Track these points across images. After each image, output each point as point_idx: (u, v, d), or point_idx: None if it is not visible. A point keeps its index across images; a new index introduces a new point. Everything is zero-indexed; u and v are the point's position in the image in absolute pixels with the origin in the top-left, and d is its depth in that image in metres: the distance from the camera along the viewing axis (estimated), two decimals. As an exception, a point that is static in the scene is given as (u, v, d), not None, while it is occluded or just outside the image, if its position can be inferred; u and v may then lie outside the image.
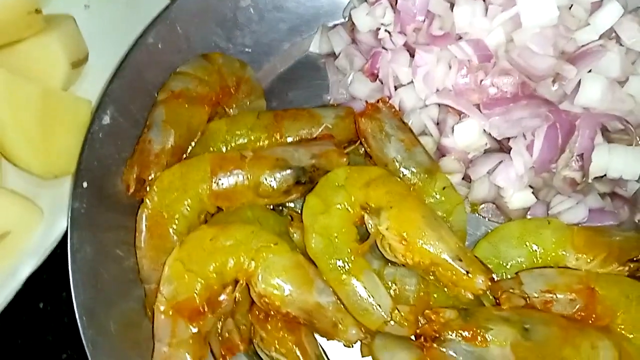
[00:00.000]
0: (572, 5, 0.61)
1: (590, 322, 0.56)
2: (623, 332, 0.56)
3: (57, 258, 0.63)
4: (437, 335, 0.53)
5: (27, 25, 0.68)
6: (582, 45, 0.61)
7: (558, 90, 0.61)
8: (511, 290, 0.57)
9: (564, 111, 0.60)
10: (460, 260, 0.55)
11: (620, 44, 0.61)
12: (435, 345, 0.53)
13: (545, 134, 0.59)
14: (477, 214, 0.67)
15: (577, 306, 0.56)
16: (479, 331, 0.52)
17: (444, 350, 0.53)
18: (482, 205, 0.67)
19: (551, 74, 0.60)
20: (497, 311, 0.55)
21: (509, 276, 0.60)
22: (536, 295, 0.56)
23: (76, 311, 0.55)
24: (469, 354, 0.53)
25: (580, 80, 0.60)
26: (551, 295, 0.56)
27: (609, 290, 0.57)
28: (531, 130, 0.60)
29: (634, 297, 0.57)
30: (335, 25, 0.76)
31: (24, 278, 0.62)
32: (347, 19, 0.76)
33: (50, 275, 0.67)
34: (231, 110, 0.70)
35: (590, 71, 0.60)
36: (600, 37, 0.60)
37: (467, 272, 0.55)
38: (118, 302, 0.58)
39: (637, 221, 0.65)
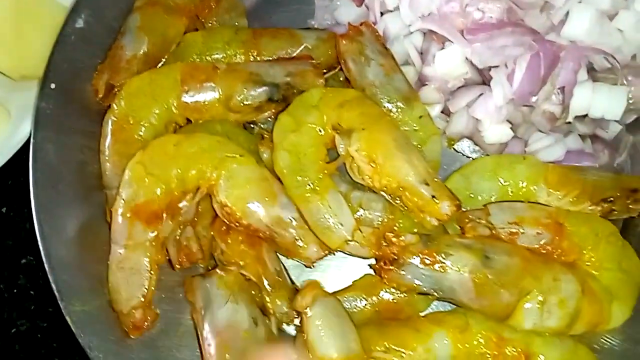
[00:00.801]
0: None
1: (555, 257, 0.56)
2: (589, 269, 0.56)
3: (23, 164, 0.61)
4: (396, 258, 0.53)
5: None
6: (576, -26, 0.58)
7: (545, 21, 0.59)
8: (477, 220, 0.56)
9: (549, 41, 0.58)
10: (428, 184, 0.54)
11: (615, -23, 0.58)
12: (393, 268, 0.52)
13: (527, 64, 0.57)
14: (453, 150, 0.66)
15: (543, 240, 0.55)
16: (438, 256, 0.51)
17: (402, 273, 0.53)
18: (459, 142, 0.66)
19: (539, 2, 0.58)
20: (459, 238, 0.54)
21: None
22: (502, 227, 0.55)
23: (34, 209, 0.54)
24: (427, 279, 0.52)
25: (568, 11, 0.58)
26: (518, 227, 0.55)
27: (578, 226, 0.56)
28: (513, 60, 0.58)
29: (603, 236, 0.56)
30: (325, -52, 0.73)
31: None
32: None
33: (15, 182, 0.66)
34: (210, 24, 0.68)
35: (580, 2, 0.58)
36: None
37: (434, 197, 0.53)
38: (78, 205, 0.57)
39: (616, 165, 0.64)
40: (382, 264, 0.53)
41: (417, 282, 0.52)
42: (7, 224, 0.67)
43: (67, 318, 0.52)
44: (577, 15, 0.57)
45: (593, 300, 0.54)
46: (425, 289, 0.53)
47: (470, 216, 0.56)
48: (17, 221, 0.66)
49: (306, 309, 0.49)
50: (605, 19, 0.58)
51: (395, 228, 0.57)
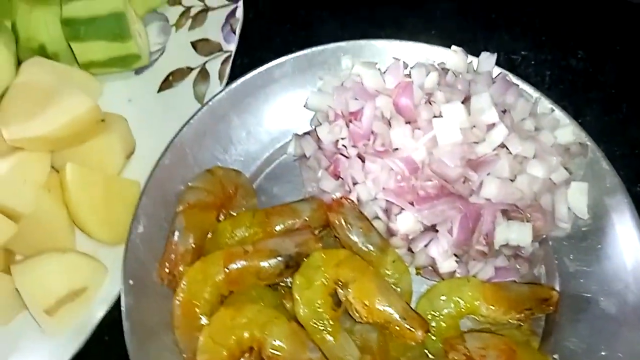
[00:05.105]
0: (473, 127, 0.86)
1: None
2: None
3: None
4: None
5: (94, 130, 0.92)
6: (482, 155, 0.85)
7: (467, 188, 0.85)
8: (457, 344, 0.79)
9: (472, 203, 0.85)
10: (405, 319, 0.79)
11: (509, 153, 0.86)
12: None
13: (459, 222, 0.83)
14: (420, 275, 0.91)
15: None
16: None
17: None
18: (424, 269, 0.91)
19: (461, 178, 0.85)
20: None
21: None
22: (474, 350, 0.78)
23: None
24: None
25: (482, 181, 0.85)
26: (484, 351, 0.78)
27: (525, 355, 0.79)
28: (450, 219, 0.84)
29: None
30: (305, 134, 1.00)
31: (98, 320, 0.84)
32: (313, 127, 1.00)
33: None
34: (233, 210, 0.93)
35: (488, 174, 0.85)
36: (494, 149, 0.85)
37: (409, 328, 0.78)
38: (163, 367, 0.80)
39: (535, 274, 0.90)
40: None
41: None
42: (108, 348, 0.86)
43: None
44: (488, 184, 0.84)
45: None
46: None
47: (451, 342, 0.80)
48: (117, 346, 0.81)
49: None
50: (507, 182, 0.85)
51: (389, 348, 0.81)
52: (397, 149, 0.88)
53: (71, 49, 1.02)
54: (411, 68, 0.96)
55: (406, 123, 0.89)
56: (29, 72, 0.94)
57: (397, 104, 0.90)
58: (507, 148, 0.86)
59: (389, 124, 0.91)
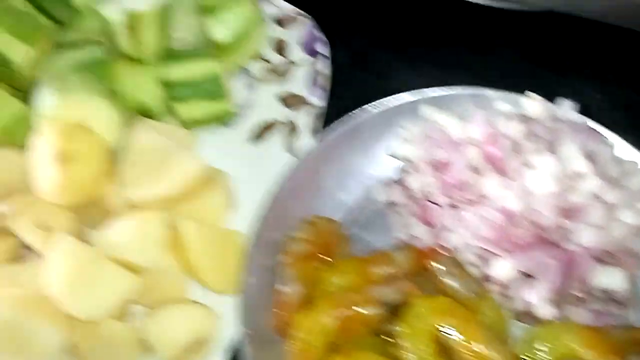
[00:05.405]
0: (563, 176, 0.90)
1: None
2: None
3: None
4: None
5: (201, 191, 0.98)
6: (574, 204, 0.89)
7: (561, 235, 0.89)
8: None
9: (567, 250, 0.88)
10: (510, 366, 0.83)
11: (600, 200, 0.89)
12: None
13: (556, 269, 0.87)
14: (516, 320, 0.95)
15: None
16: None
17: None
18: (519, 313, 0.94)
19: (553, 226, 0.89)
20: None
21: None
22: None
23: None
24: None
25: (576, 228, 0.88)
26: None
27: None
28: (547, 265, 0.88)
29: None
30: (393, 182, 1.05)
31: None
32: (401, 175, 1.05)
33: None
34: (330, 258, 0.98)
35: (582, 222, 0.89)
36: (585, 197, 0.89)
37: (514, 374, 0.82)
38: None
39: (630, 317, 0.93)
40: None
41: None
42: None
43: None
44: (582, 231, 0.88)
45: None
46: None
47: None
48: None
49: None
50: (600, 229, 0.88)
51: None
52: (488, 197, 0.93)
53: (169, 108, 1.11)
54: (496, 117, 1.00)
55: (496, 172, 0.94)
56: (140, 133, 1.02)
57: (486, 154, 0.95)
58: (597, 195, 0.90)
59: (478, 173, 0.95)
